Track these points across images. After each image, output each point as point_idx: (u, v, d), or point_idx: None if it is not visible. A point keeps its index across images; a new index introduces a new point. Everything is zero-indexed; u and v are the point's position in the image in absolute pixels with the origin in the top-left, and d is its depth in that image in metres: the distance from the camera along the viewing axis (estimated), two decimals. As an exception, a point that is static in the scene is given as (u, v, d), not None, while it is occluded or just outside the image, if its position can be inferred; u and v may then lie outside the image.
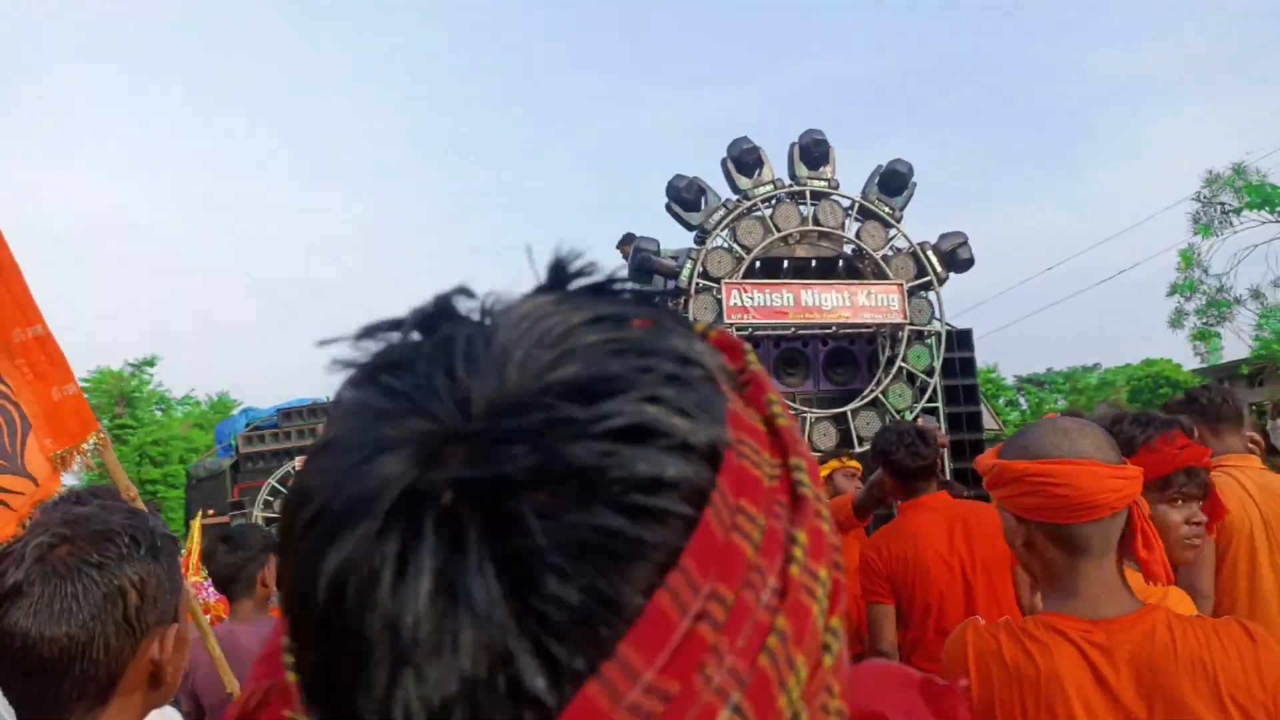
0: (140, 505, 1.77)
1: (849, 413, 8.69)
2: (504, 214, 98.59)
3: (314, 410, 14.41)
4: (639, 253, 8.47)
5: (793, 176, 9.06)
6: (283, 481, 13.52)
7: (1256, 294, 20.28)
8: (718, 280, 8.48)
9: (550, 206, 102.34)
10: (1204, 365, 20.80)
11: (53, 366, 2.13)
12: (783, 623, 0.33)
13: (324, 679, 0.34)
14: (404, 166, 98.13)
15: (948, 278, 9.23)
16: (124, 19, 75.37)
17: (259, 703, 0.46)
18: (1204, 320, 20.43)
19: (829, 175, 9.11)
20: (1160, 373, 21.07)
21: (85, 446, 2.14)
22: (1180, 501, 2.03)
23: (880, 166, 9.36)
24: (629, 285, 0.39)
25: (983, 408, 9.52)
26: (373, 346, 0.38)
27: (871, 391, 8.86)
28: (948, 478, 6.84)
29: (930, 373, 8.98)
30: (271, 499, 13.44)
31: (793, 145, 9.18)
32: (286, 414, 14.61)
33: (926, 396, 8.94)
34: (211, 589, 4.45)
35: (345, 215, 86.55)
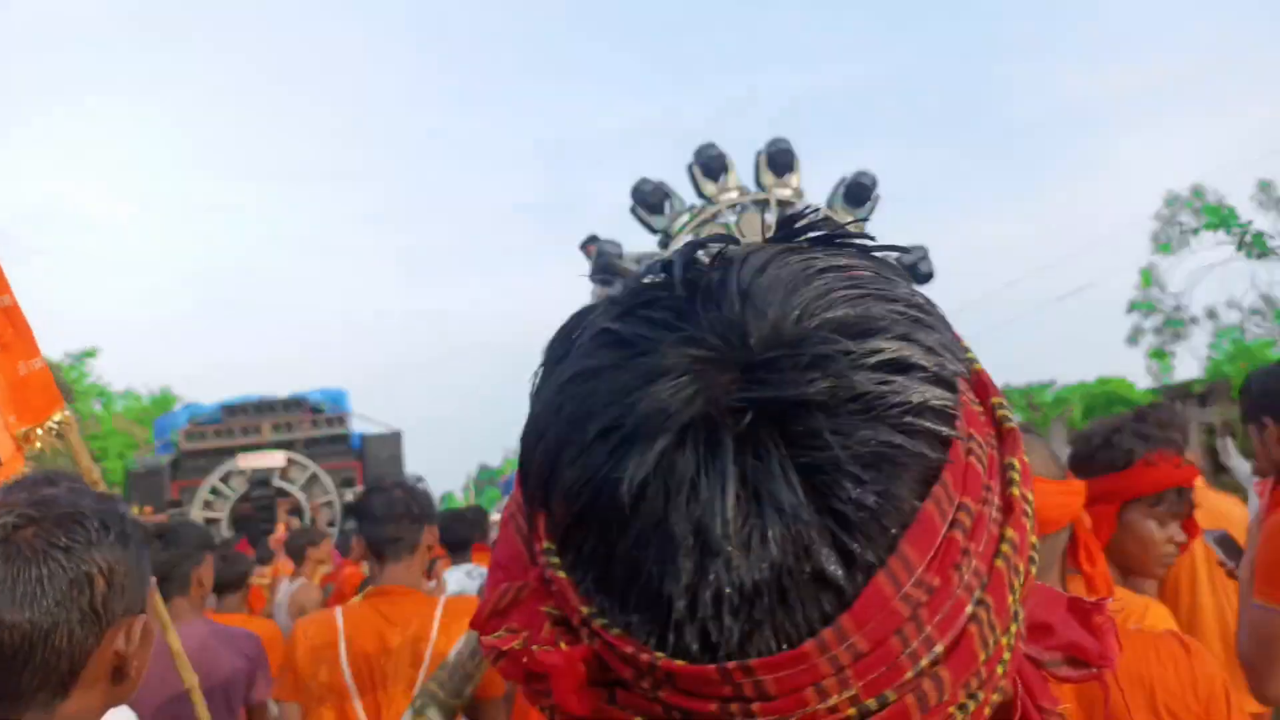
0: (104, 489, 1.68)
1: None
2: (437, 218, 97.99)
3: (259, 407, 13.93)
4: (602, 255, 8.27)
5: (758, 184, 8.92)
6: (224, 480, 12.99)
7: (1212, 314, 20.57)
8: (679, 287, 8.29)
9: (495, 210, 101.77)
10: (1157, 385, 21.01)
11: (19, 339, 1.97)
12: (1010, 533, 0.40)
13: (621, 571, 0.38)
14: (350, 162, 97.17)
15: (911, 291, 9.15)
16: (71, 5, 73.31)
17: (511, 601, 0.45)
18: (1160, 339, 20.71)
19: (795, 184, 8.97)
20: (1114, 391, 21.28)
21: (50, 424, 1.99)
22: (1167, 519, 2.04)
23: (845, 177, 9.25)
24: (854, 238, 0.45)
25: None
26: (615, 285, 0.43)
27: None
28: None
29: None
30: (212, 498, 12.89)
31: (759, 153, 9.04)
32: (231, 410, 14.08)
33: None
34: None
35: (294, 212, 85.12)
